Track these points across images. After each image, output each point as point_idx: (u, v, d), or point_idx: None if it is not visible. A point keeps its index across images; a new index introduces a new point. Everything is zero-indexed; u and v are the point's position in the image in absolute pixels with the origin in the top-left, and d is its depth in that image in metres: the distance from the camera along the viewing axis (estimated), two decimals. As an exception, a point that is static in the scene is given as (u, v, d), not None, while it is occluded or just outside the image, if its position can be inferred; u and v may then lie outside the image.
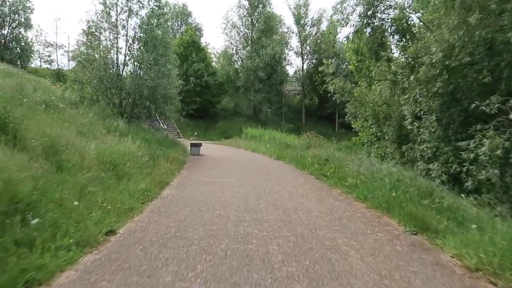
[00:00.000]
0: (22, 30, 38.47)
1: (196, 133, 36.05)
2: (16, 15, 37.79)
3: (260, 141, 24.41)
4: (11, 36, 37.87)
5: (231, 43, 39.65)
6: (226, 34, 39.70)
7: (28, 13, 38.35)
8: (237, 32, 39.54)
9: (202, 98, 36.43)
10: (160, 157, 11.15)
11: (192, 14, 45.78)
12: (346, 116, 14.02)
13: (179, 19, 44.09)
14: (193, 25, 42.49)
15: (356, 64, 16.81)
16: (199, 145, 17.87)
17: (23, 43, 38.60)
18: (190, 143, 17.99)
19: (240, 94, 39.21)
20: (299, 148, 15.32)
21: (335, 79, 13.45)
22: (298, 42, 42.29)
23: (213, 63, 39.61)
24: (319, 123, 43.65)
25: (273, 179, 10.29)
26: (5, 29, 37.58)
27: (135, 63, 16.00)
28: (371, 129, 12.87)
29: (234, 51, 39.88)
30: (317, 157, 11.59)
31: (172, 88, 17.62)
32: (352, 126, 16.51)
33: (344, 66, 40.75)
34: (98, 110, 14.20)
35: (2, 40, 37.30)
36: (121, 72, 15.91)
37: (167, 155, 11.94)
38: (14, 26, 38.04)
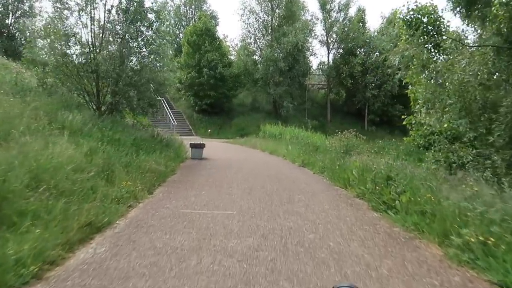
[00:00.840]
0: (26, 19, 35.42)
1: (209, 130, 32.11)
2: (20, 3, 34.69)
3: (280, 140, 20.18)
4: (15, 26, 34.85)
5: (249, 31, 35.45)
6: (244, 22, 35.52)
7: (33, 1, 35.18)
8: (255, 18, 35.29)
9: (216, 92, 32.39)
10: (124, 169, 7.06)
11: (207, 0, 41.83)
12: (417, 107, 9.28)
13: (192, 6, 40.19)
14: (208, 12, 38.53)
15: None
16: (201, 146, 13.76)
17: (28, 33, 35.48)
18: (190, 144, 13.91)
19: (259, 88, 34.95)
20: (333, 152, 10.99)
21: (401, 42, 8.83)
22: (323, 29, 37.62)
23: (231, 56, 35.37)
24: (346, 120, 38.90)
25: (300, 210, 6.02)
26: (8, 18, 34.61)
27: (115, 38, 11.95)
28: (451, 124, 8.39)
29: (252, 40, 35.71)
30: (369, 171, 7.22)
31: (164, 72, 13.45)
32: (404, 123, 12.06)
33: (375, 56, 35.94)
34: (59, 100, 10.30)
35: (6, 31, 34.28)
36: (96, 50, 11.93)
37: (141, 164, 7.85)
38: (17, 15, 35.04)
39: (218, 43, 33.78)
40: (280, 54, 32.78)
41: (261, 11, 35.49)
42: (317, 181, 9.36)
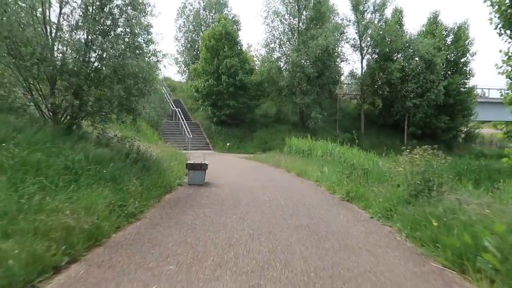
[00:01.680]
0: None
1: (228, 144, 28.24)
2: None
3: (310, 158, 15.99)
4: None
5: (273, 35, 31.63)
6: (267, 25, 31.73)
7: None
8: (280, 21, 31.44)
9: (236, 101, 28.59)
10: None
11: (228, 4, 38.40)
12: None
13: (213, 11, 36.91)
14: (230, 17, 35.10)
15: None
16: (202, 167, 9.70)
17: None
18: (187, 165, 9.83)
19: (284, 97, 30.93)
20: (401, 182, 6.68)
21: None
22: (356, 32, 33.35)
23: (253, 63, 31.54)
24: (381, 133, 34.21)
25: None
26: None
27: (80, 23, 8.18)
28: None
29: (276, 45, 31.85)
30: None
31: (148, 67, 9.38)
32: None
33: (416, 61, 31.23)
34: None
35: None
36: (52, 35, 8.22)
37: (39, 218, 3.86)
38: None
39: (239, 48, 30.13)
40: (307, 60, 28.74)
41: (287, 13, 31.66)
42: (386, 241, 5.10)
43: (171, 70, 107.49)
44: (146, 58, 9.03)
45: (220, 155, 23.86)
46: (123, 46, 8.31)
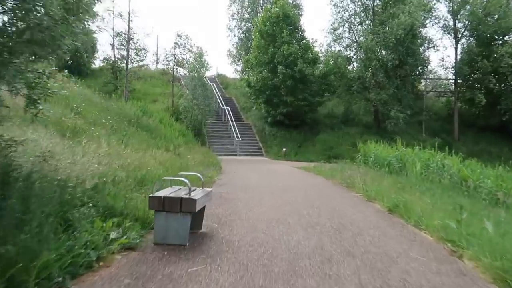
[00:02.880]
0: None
1: (284, 149, 22.91)
2: None
3: (402, 174, 10.16)
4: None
5: (342, 17, 25.80)
6: (335, 5, 25.98)
7: None
8: (351, 0, 25.55)
9: (295, 97, 23.25)
10: None
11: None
12: None
13: (270, -5, 31.90)
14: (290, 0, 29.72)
15: None
16: (188, 207, 4.20)
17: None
18: (153, 200, 4.56)
19: (354, 92, 24.94)
20: None
21: None
22: (449, 11, 26.16)
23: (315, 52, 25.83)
24: (481, 138, 26.42)
25: None
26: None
27: None
28: None
29: (345, 29, 25.90)
30: None
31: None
32: None
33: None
34: None
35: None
36: None
37: None
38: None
39: (300, 33, 24.80)
40: (385, 45, 22.47)
41: (359, -10, 25.62)
42: None
43: (225, 67, 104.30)
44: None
45: (272, 164, 18.67)
46: None
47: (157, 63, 24.58)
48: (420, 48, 23.65)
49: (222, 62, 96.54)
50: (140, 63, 27.87)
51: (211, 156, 15.79)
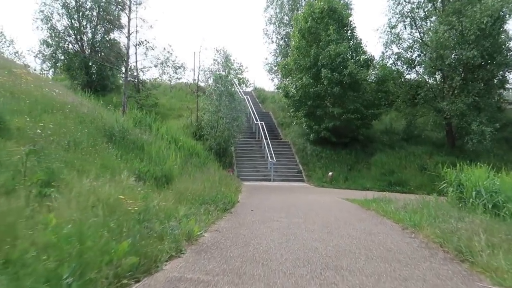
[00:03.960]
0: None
1: (331, 173, 18.00)
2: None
3: None
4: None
5: (401, 11, 20.86)
6: (392, -1, 21.16)
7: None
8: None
9: (344, 108, 18.50)
10: None
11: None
12: None
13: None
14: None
15: None
16: None
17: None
18: None
19: (420, 102, 19.73)
20: None
21: None
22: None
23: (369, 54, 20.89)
24: None
25: None
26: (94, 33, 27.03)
27: None
28: None
29: (406, 25, 20.89)
30: None
31: None
32: None
33: None
34: None
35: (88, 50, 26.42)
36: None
37: None
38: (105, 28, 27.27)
39: (349, 32, 20.23)
40: (462, 38, 17.21)
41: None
42: None
43: (263, 79, 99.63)
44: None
45: (315, 193, 13.93)
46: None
47: (197, 82, 21.26)
48: (510, 42, 18.04)
49: (259, 73, 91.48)
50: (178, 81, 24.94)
51: (229, 183, 11.44)
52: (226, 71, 18.37)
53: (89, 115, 10.64)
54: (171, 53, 20.96)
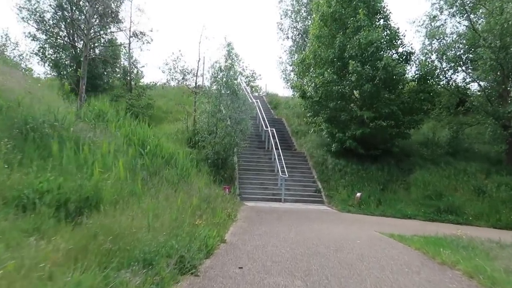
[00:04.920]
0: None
1: (359, 194, 13.79)
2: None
3: None
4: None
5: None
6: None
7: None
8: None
9: (377, 112, 14.69)
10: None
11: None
12: None
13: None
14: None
15: None
16: None
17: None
18: None
19: (473, 107, 15.65)
20: None
21: None
22: None
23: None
24: None
25: None
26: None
27: None
28: None
29: (454, 11, 16.90)
30: None
31: None
32: None
33: None
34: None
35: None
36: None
37: None
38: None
39: (383, 20, 16.40)
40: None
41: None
42: None
43: (275, 83, 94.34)
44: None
45: (342, 224, 9.90)
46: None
47: (195, 78, 17.84)
48: None
49: (272, 79, 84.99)
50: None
51: (219, 207, 7.62)
52: (228, 62, 14.66)
53: (10, 100, 7.05)
54: (180, 58, 17.60)
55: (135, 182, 6.41)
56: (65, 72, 22.25)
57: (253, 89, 34.45)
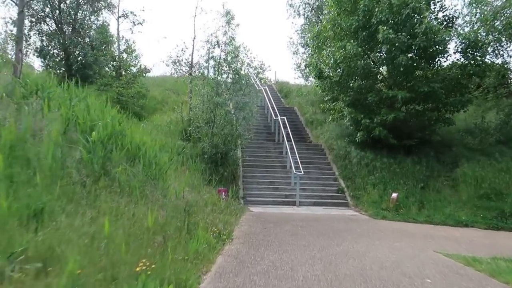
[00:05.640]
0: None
1: (394, 194, 10.82)
2: None
3: None
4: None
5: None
6: None
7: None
8: None
9: (413, 92, 11.71)
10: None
11: None
12: None
13: None
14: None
15: None
16: None
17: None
18: None
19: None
20: None
21: None
22: None
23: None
24: None
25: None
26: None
27: None
28: None
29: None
30: None
31: None
32: None
33: None
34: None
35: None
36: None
37: None
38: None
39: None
40: None
41: None
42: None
43: (286, 71, 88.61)
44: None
45: (382, 239, 7.01)
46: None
47: (191, 59, 15.21)
48: None
49: (281, 64, 78.34)
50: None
51: (199, 224, 4.86)
52: (227, 35, 11.87)
53: None
54: (184, 51, 15.02)
55: (52, 188, 3.71)
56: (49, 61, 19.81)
57: (262, 81, 31.65)
